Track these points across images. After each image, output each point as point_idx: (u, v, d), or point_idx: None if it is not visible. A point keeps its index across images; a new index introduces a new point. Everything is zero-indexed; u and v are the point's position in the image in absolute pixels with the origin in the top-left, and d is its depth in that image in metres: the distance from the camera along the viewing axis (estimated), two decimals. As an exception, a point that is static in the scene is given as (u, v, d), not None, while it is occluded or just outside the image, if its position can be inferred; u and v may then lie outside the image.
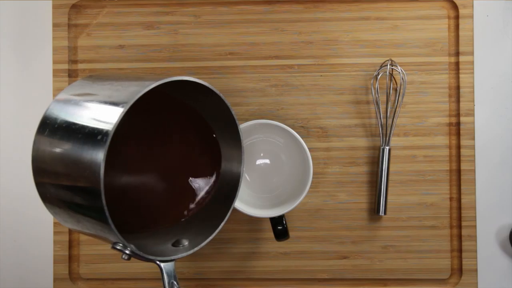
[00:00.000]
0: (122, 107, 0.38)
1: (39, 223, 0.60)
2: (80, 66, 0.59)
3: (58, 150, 0.41)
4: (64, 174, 0.41)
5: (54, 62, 0.59)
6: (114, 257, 0.59)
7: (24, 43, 0.61)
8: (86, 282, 0.59)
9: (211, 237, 0.46)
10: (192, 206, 0.50)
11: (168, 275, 0.43)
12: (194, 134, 0.51)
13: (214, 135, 0.51)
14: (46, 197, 0.44)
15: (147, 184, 0.50)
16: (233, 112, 0.47)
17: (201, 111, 0.50)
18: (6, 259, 0.61)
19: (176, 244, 0.46)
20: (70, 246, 0.59)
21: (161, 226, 0.49)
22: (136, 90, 0.40)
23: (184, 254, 0.45)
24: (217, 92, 0.45)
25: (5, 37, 0.61)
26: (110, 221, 0.38)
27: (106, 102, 0.40)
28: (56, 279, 0.59)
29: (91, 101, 0.42)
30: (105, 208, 0.38)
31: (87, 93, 0.44)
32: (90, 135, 0.39)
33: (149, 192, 0.50)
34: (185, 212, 0.50)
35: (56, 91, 0.59)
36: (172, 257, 0.44)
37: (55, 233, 0.59)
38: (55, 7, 0.59)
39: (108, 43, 0.59)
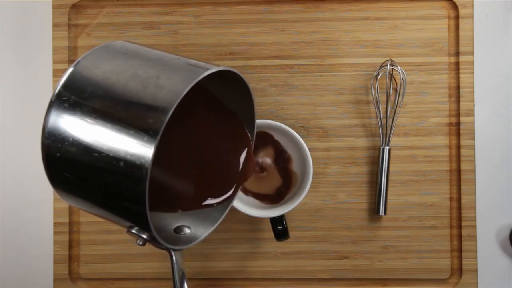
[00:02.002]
0: (178, 91, 0.35)
1: (39, 223, 0.60)
2: (80, 66, 0.59)
3: (88, 126, 0.37)
4: (94, 153, 0.36)
5: (54, 62, 0.59)
6: (114, 257, 0.59)
7: (24, 43, 0.61)
8: (86, 282, 0.59)
9: (219, 221, 0.45)
10: (214, 201, 0.47)
11: (178, 263, 0.42)
12: (230, 129, 0.48)
13: (247, 132, 0.48)
14: (56, 172, 0.39)
15: (175, 172, 0.47)
16: (255, 107, 0.46)
17: (222, 100, 0.48)
18: (6, 259, 0.61)
19: (178, 231, 0.45)
20: (70, 246, 0.59)
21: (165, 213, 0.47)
22: (187, 76, 0.37)
23: (196, 242, 0.43)
24: (251, 89, 0.44)
25: (5, 37, 0.61)
26: (147, 209, 0.35)
27: (156, 83, 0.37)
28: (56, 279, 0.59)
29: (132, 76, 0.38)
30: (146, 197, 0.34)
31: (122, 67, 0.39)
32: (137, 117, 0.35)
33: (175, 180, 0.47)
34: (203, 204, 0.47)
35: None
36: (184, 246, 0.42)
37: (55, 233, 0.59)
38: (55, 7, 0.59)
39: (108, 43, 0.59)
